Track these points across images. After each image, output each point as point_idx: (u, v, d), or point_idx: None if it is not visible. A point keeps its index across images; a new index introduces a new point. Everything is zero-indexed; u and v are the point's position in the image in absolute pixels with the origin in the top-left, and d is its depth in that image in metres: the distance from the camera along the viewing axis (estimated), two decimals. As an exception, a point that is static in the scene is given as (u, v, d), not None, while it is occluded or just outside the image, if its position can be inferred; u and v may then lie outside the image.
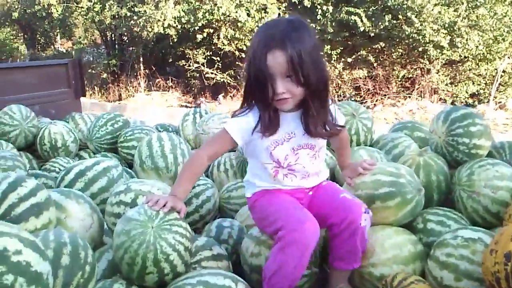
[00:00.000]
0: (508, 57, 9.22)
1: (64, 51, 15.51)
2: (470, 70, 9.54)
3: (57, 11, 11.98)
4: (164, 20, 10.19)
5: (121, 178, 2.60)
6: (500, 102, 9.47)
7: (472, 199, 2.41)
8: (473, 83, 9.59)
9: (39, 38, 16.81)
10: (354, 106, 3.09)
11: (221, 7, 9.87)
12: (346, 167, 2.37)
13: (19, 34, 17.30)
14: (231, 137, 1.98)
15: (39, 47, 16.86)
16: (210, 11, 10.08)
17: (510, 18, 8.74)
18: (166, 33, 10.58)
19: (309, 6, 9.93)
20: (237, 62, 10.92)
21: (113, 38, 12.89)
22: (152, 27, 10.42)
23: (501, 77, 9.30)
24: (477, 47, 8.90)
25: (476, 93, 9.74)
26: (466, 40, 8.84)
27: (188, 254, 1.90)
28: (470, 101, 9.72)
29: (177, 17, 10.27)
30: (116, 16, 11.49)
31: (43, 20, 14.19)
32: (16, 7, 14.46)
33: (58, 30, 14.54)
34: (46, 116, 4.37)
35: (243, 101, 2.00)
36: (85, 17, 12.09)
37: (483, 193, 2.38)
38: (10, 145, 3.50)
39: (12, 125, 3.57)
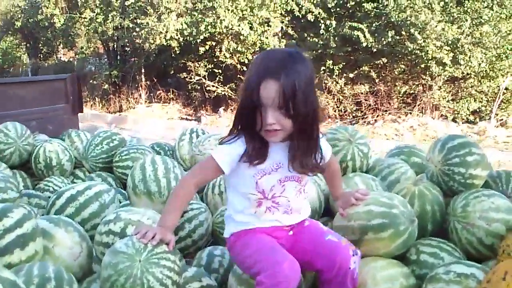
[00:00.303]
0: (511, 75, 9.20)
1: (66, 60, 15.56)
2: (472, 87, 9.53)
3: (60, 21, 12.03)
4: (167, 32, 10.22)
5: (113, 203, 2.58)
6: (501, 119, 9.45)
7: (466, 231, 2.38)
8: (474, 100, 9.57)
9: (42, 47, 16.86)
10: (350, 131, 3.06)
11: (223, 20, 9.90)
12: (339, 197, 2.34)
13: (22, 43, 17.35)
14: (218, 165, 1.94)
15: (41, 56, 16.93)
16: (212, 24, 10.12)
17: (513, 36, 8.75)
18: (168, 45, 10.60)
19: (312, 20, 9.95)
20: (238, 75, 10.93)
21: (115, 49, 12.94)
22: (154, 39, 10.45)
23: (503, 95, 9.27)
24: (479, 64, 8.89)
25: (478, 110, 9.73)
26: (469, 57, 8.83)
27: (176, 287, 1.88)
28: (471, 118, 9.70)
29: (179, 29, 10.30)
30: (119, 27, 11.53)
31: (46, 30, 14.24)
32: (19, 16, 14.55)
33: (60, 40, 14.56)
34: (43, 132, 4.35)
35: (232, 127, 1.96)
36: (87, 27, 12.14)
37: (478, 224, 2.35)
38: (3, 165, 3.48)
39: (7, 143, 3.55)
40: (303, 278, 2.22)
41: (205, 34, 10.28)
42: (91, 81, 13.23)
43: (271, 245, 1.92)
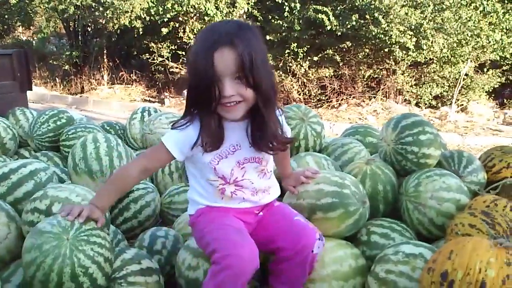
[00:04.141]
0: (471, 61, 9.28)
1: (24, 39, 14.94)
2: (434, 72, 9.58)
3: (15, -3, 11.51)
4: (132, 11, 9.92)
5: (50, 181, 2.42)
6: (462, 105, 9.56)
7: (418, 211, 2.34)
8: (437, 85, 9.63)
9: (-3, 25, 15.98)
10: (303, 110, 2.97)
11: (191, -2, 9.68)
12: (288, 176, 2.25)
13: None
14: (168, 151, 1.78)
15: (-4, 34, 16.09)
16: (179, 2, 9.88)
17: (474, 22, 8.78)
18: (132, 25, 10.31)
19: (279, 1, 9.82)
20: (202, 57, 10.69)
21: (76, 29, 12.50)
22: (119, 19, 10.13)
23: (463, 81, 9.36)
24: (441, 50, 8.94)
25: (440, 95, 9.80)
26: (432, 42, 8.86)
27: (108, 265, 1.76)
28: (433, 103, 9.78)
29: (146, 8, 10.01)
30: (80, 6, 11.12)
31: (1, 7, 13.54)
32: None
33: (17, 18, 13.85)
34: (-12, 111, 4.11)
35: (186, 110, 1.78)
36: (46, 5, 11.65)
37: (429, 205, 2.31)
38: None
39: None
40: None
41: (171, 13, 10.01)
42: (51, 62, 12.78)
43: (235, 225, 1.79)
